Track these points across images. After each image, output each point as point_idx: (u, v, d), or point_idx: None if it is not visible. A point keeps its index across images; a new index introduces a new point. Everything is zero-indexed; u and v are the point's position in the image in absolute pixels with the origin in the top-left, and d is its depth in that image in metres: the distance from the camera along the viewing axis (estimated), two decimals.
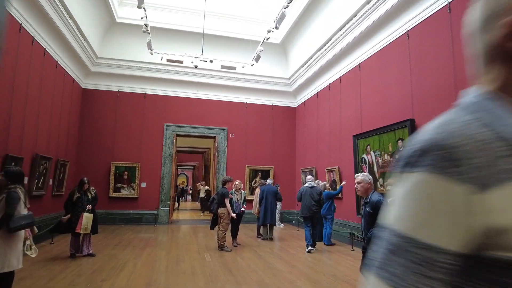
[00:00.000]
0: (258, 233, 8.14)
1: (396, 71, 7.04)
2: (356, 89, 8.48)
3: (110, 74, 10.90)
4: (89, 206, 5.88)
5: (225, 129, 11.86)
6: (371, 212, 3.33)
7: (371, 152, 7.52)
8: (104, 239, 7.64)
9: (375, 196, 3.38)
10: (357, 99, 8.43)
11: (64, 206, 5.90)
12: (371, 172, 7.45)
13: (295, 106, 12.68)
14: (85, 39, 9.36)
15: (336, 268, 5.47)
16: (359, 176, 3.60)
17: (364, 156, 7.77)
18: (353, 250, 6.78)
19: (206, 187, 14.63)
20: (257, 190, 8.44)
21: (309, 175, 7.64)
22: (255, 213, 8.26)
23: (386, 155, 7.01)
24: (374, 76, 7.79)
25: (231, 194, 6.93)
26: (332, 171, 9.17)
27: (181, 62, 9.27)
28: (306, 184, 7.43)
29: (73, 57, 9.28)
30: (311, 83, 11.10)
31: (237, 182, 7.22)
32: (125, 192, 10.65)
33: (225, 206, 6.56)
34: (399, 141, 6.63)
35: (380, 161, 7.19)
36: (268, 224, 7.89)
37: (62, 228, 5.85)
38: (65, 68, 9.03)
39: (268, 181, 8.30)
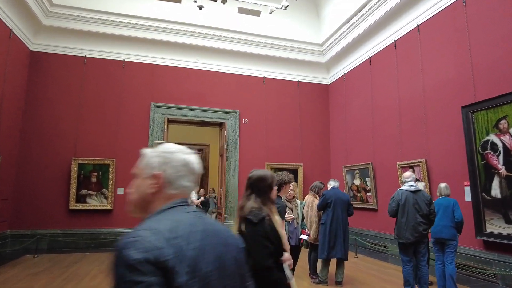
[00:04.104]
0: (313, 271, 4.82)
1: None
2: (457, 36, 5.41)
3: (72, 31, 7.48)
4: None
5: (236, 113, 8.60)
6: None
7: (511, 130, 4.42)
8: (49, 286, 4.25)
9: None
10: (459, 51, 5.35)
11: None
12: (510, 163, 4.35)
13: (328, 84, 9.53)
14: None
15: None
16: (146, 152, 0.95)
17: (492, 137, 4.65)
18: None
19: (202, 198, 8.93)
20: (309, 199, 5.06)
21: (408, 171, 4.47)
22: (310, 240, 4.85)
23: None
24: (497, 8, 4.73)
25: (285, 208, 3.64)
26: (412, 167, 6.04)
27: (179, 1, 5.99)
28: (404, 187, 4.24)
29: None
30: (358, 47, 7.96)
31: (292, 184, 3.89)
32: (94, 202, 7.23)
33: None
34: None
35: None
36: (336, 259, 4.61)
37: None
38: None
39: (332, 183, 4.82)
